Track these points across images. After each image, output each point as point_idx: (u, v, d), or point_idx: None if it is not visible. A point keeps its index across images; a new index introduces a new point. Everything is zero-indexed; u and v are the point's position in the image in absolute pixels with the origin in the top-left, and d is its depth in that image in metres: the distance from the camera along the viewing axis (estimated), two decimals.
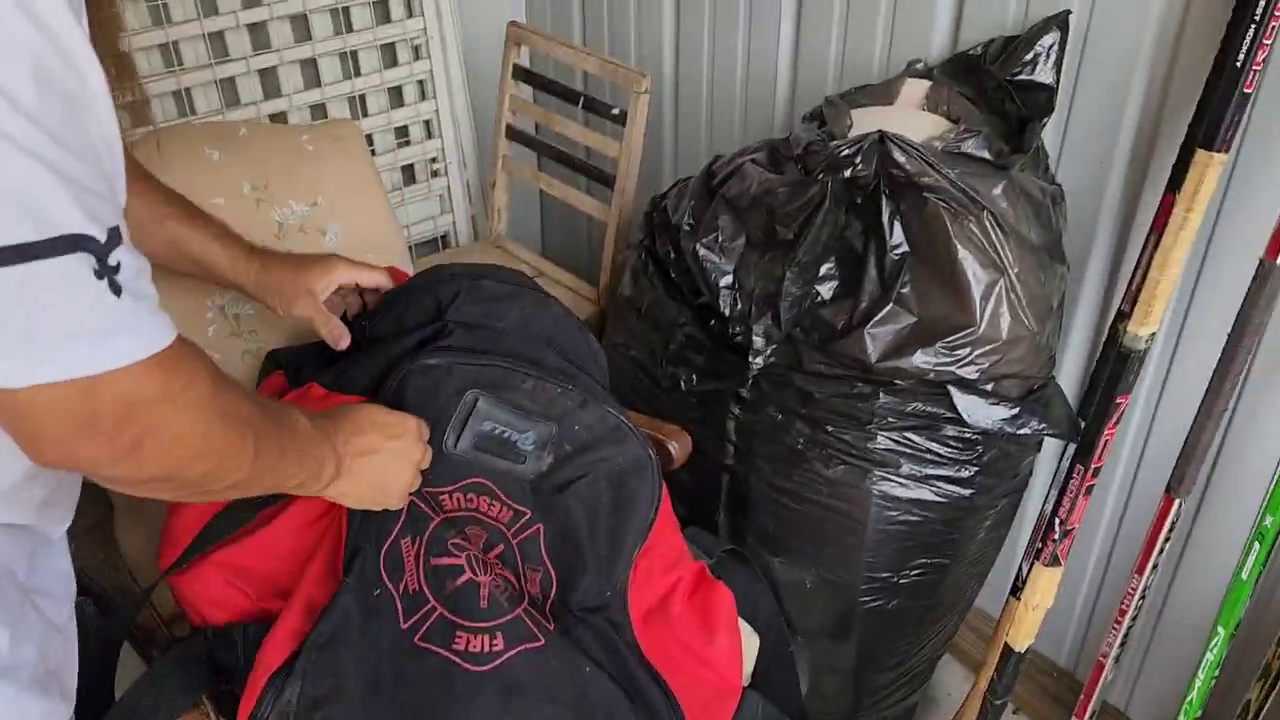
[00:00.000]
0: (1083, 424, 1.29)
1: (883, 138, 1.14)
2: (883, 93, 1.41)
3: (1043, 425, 1.20)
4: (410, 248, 2.23)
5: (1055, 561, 1.33)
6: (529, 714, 0.93)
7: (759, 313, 1.23)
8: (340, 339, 1.10)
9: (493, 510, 0.99)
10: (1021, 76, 1.31)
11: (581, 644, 0.99)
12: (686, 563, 1.12)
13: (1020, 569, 1.40)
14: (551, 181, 1.99)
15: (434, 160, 2.21)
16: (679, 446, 1.30)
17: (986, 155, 1.22)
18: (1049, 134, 1.38)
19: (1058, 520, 1.30)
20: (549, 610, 0.99)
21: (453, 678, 0.92)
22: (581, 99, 1.87)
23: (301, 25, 1.96)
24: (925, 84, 1.38)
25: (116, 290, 0.57)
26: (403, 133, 2.17)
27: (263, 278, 1.10)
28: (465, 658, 0.94)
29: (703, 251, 1.27)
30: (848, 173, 1.15)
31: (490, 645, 0.94)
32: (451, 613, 0.95)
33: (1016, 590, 1.40)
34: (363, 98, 2.08)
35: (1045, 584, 1.34)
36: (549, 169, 2.03)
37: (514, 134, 2.01)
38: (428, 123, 2.19)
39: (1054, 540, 1.31)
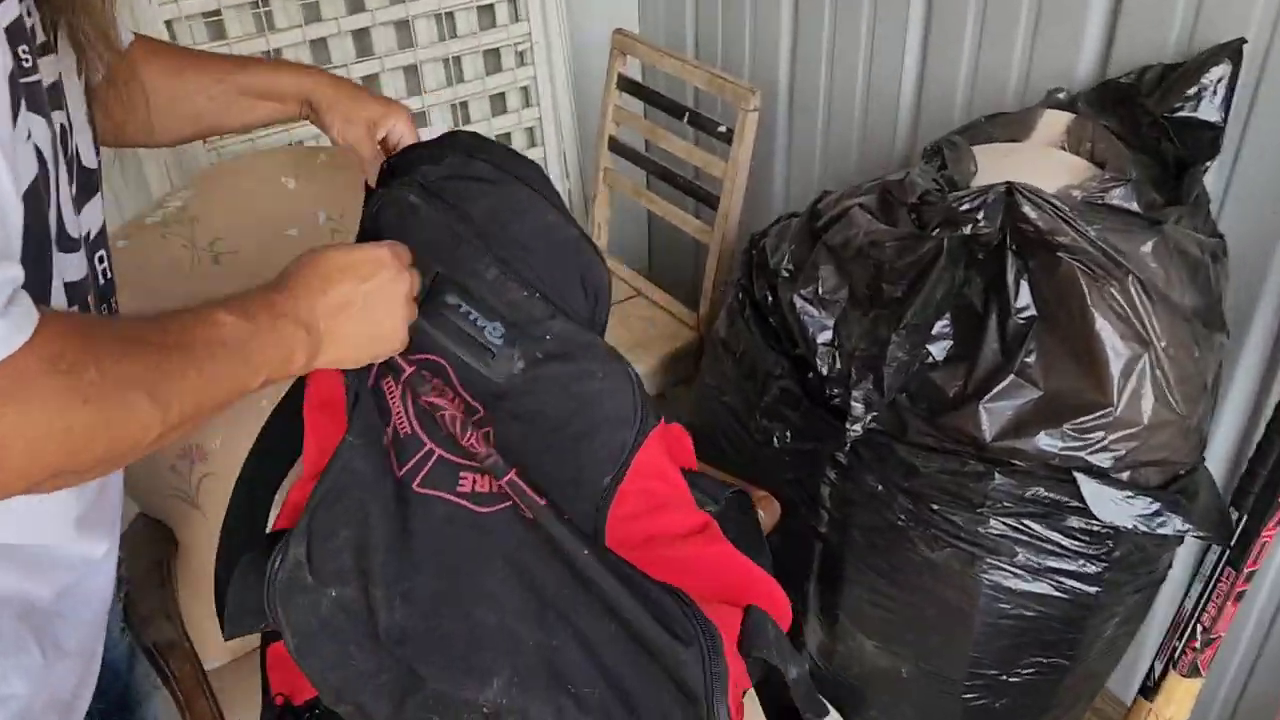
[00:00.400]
0: (1236, 519, 1.12)
1: (1010, 189, 1.00)
2: (1018, 124, 1.26)
3: (1186, 526, 1.04)
4: None
5: (1195, 672, 1.16)
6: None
7: (860, 376, 1.10)
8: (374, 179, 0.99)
9: (449, 402, 0.83)
10: (1182, 113, 1.14)
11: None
12: (688, 512, 0.92)
13: (1152, 667, 1.24)
14: (654, 198, 1.89)
15: None
16: (765, 515, 1.18)
17: (1135, 208, 1.06)
18: (1211, 178, 1.20)
19: (1200, 627, 1.14)
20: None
21: (460, 520, 0.80)
22: (687, 114, 1.76)
23: (405, 31, 1.90)
24: (1067, 117, 1.22)
25: None
26: (505, 139, 2.09)
27: (327, 92, 0.99)
28: (474, 499, 0.81)
29: (800, 303, 1.15)
30: (968, 229, 1.01)
31: (494, 486, 0.81)
32: (450, 453, 0.82)
33: (1146, 691, 1.24)
34: (465, 104, 2.02)
35: (1182, 695, 1.17)
36: (654, 185, 1.93)
37: (617, 147, 1.91)
38: (530, 130, 2.11)
39: (1194, 649, 1.15)
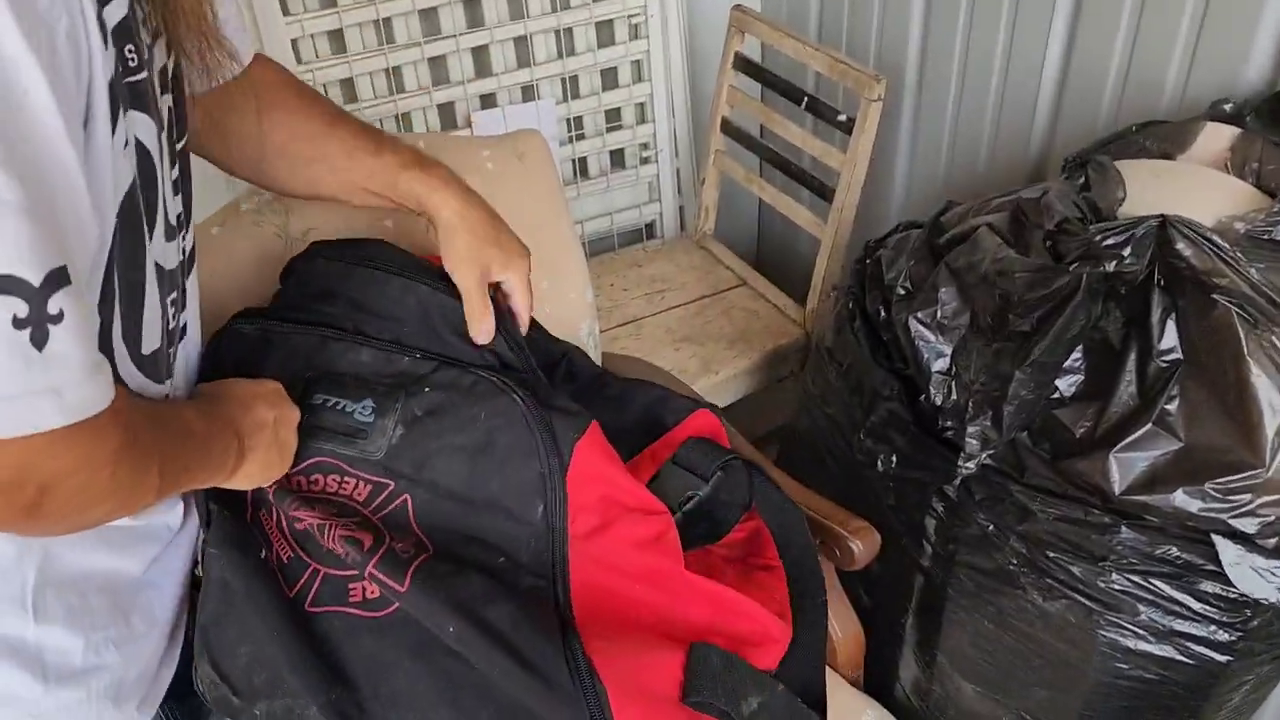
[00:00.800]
0: None
1: (1164, 224, 0.90)
2: (1174, 137, 1.14)
3: None
4: (614, 236, 2.13)
5: None
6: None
7: (977, 411, 1.02)
8: (486, 334, 0.91)
9: (345, 487, 0.85)
10: None
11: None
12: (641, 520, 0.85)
13: None
14: (765, 186, 1.81)
15: (644, 147, 2.07)
16: (863, 548, 1.11)
17: None
18: None
19: None
20: (413, 569, 0.80)
21: (360, 628, 0.80)
22: (806, 99, 1.67)
23: (516, 2, 1.85)
24: (1232, 132, 1.10)
25: (40, 343, 0.50)
26: (614, 116, 2.03)
27: (452, 220, 0.91)
28: (365, 606, 0.80)
29: (916, 326, 1.07)
30: (1111, 265, 0.91)
31: (380, 590, 0.80)
32: (335, 569, 0.82)
33: None
34: (574, 78, 1.96)
35: None
36: (766, 172, 1.84)
37: (730, 129, 1.83)
38: (641, 106, 2.04)
39: None
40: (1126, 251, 0.91)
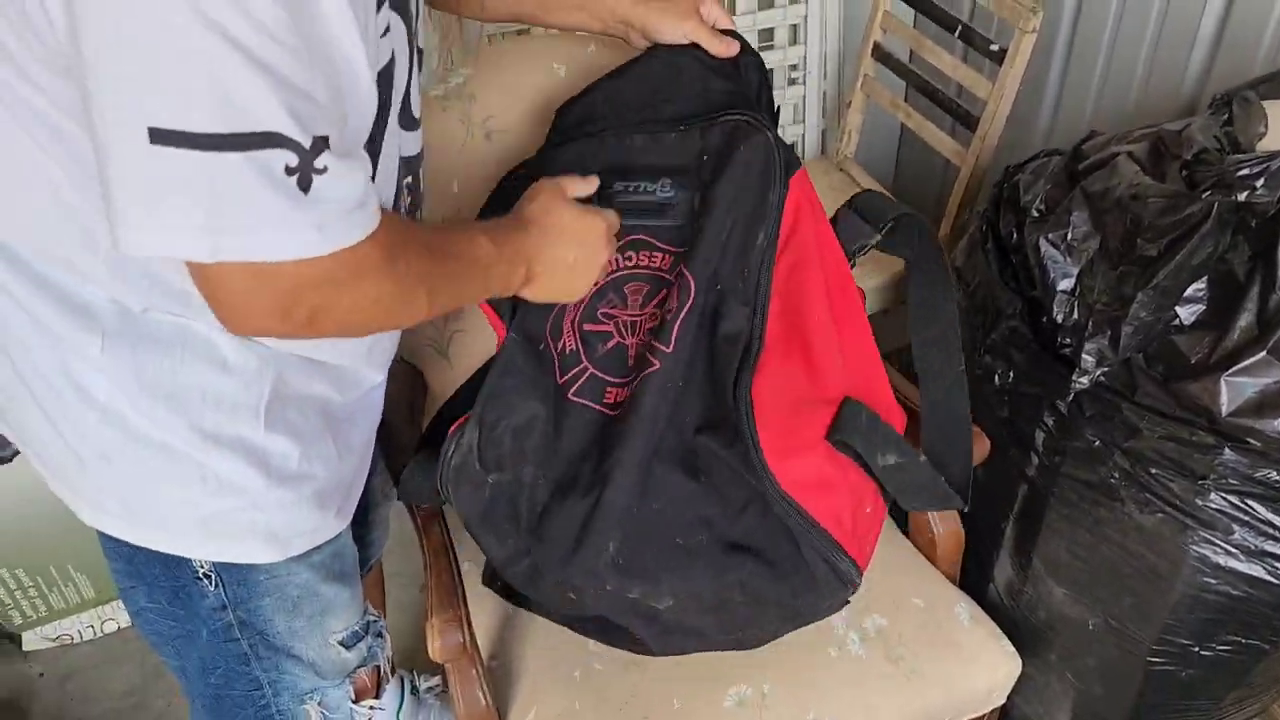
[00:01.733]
0: None
1: None
2: None
3: None
4: None
5: None
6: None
7: (1096, 329, 1.08)
8: (730, 48, 1.07)
9: (653, 261, 1.03)
10: None
11: (712, 358, 0.98)
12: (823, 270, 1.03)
13: None
14: (911, 112, 1.85)
15: (794, 68, 2.12)
16: (975, 450, 1.19)
17: None
18: None
19: None
20: (680, 321, 0.98)
21: (600, 422, 0.97)
22: (960, 28, 1.70)
23: None
24: None
25: (305, 187, 0.62)
26: (767, 35, 2.08)
27: (639, 9, 1.06)
28: (612, 408, 0.98)
29: (1046, 246, 1.13)
30: (1243, 195, 0.96)
31: (629, 394, 0.98)
32: (602, 372, 1.00)
33: None
34: None
35: None
36: (912, 98, 1.88)
37: (880, 54, 1.88)
38: (794, 28, 2.08)
39: None
40: (1260, 183, 0.95)
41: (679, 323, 0.97)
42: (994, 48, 1.63)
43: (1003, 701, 1.26)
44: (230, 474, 0.83)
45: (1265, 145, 1.04)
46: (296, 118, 0.60)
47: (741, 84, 1.08)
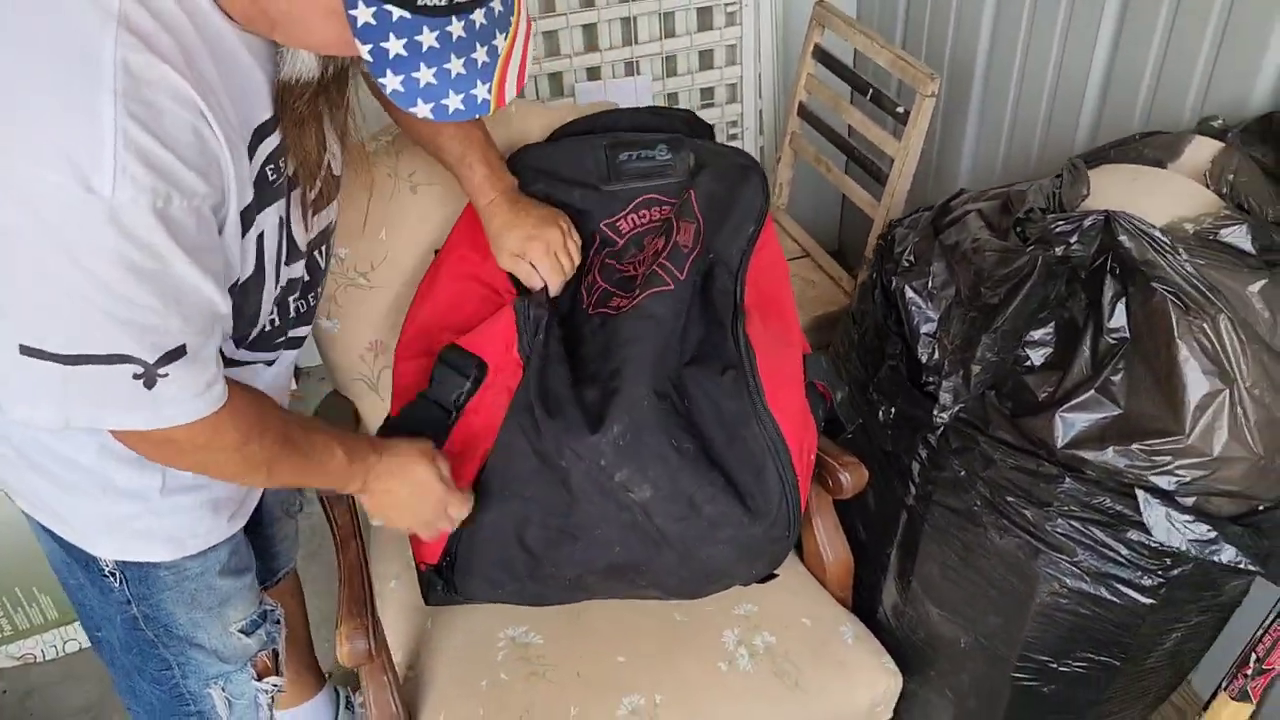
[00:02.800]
0: None
1: (1109, 218, 1.05)
2: (1168, 147, 1.28)
3: (1240, 558, 1.08)
4: None
5: (1245, 697, 1.20)
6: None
7: (951, 369, 1.19)
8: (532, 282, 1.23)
9: (663, 213, 1.25)
10: None
11: (708, 305, 1.19)
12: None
13: (1216, 690, 1.28)
14: (832, 167, 1.98)
15: (733, 124, 2.25)
16: (851, 479, 1.30)
17: (1248, 248, 1.08)
18: None
19: (1254, 656, 1.17)
20: (689, 261, 1.19)
21: (606, 323, 1.18)
22: (871, 91, 1.83)
23: None
24: (1215, 146, 1.23)
25: (150, 386, 0.77)
26: (708, 94, 2.22)
27: (493, 222, 1.22)
28: (618, 310, 1.18)
29: (911, 293, 1.24)
30: (1060, 250, 1.07)
31: (635, 299, 1.17)
32: (613, 287, 1.21)
33: (1208, 705, 1.29)
34: (672, 58, 2.16)
35: (1228, 717, 1.22)
36: (833, 155, 2.01)
37: (806, 113, 2.01)
38: (732, 87, 2.22)
39: (1246, 675, 1.18)
40: (1074, 239, 1.07)
41: (690, 259, 1.18)
42: (899, 110, 1.76)
43: (888, 717, 1.36)
44: (129, 485, 0.96)
45: (1090, 205, 1.16)
46: (146, 344, 0.75)
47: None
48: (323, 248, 1.03)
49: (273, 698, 1.19)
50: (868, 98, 1.83)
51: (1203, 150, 1.23)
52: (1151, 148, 1.29)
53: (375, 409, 1.43)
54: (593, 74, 2.13)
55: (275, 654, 1.16)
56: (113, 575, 1.01)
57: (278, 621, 1.18)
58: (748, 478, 1.13)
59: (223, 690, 1.11)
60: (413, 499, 1.07)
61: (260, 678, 1.14)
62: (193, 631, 1.07)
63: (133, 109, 0.67)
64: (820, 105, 2.00)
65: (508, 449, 1.13)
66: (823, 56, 1.94)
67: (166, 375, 0.77)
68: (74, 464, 0.93)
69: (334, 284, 1.37)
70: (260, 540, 1.25)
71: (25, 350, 0.73)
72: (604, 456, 1.09)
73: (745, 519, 1.13)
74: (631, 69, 2.13)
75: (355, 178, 1.11)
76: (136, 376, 0.75)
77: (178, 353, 0.77)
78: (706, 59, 2.20)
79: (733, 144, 2.25)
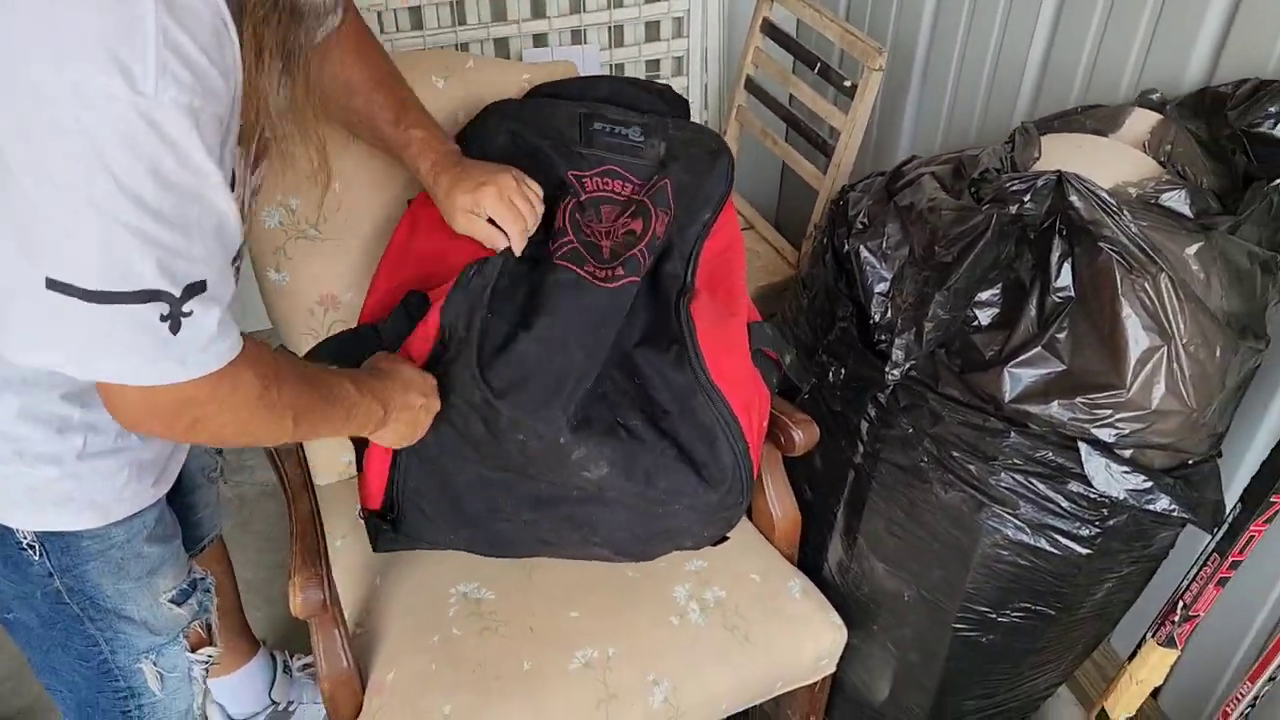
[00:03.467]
0: (1236, 511, 1.20)
1: (1061, 178, 1.09)
2: (1109, 118, 1.33)
3: (1174, 506, 1.13)
4: None
5: (1171, 643, 1.26)
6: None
7: (904, 326, 1.22)
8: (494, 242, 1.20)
9: (625, 190, 1.27)
10: (1261, 129, 1.20)
11: (655, 288, 1.22)
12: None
13: (1143, 638, 1.34)
14: (778, 140, 2.00)
15: None
16: (803, 436, 1.33)
17: (1186, 212, 1.13)
18: None
19: (1181, 603, 1.23)
20: (656, 251, 1.21)
21: (580, 285, 1.15)
22: (818, 65, 1.86)
23: None
24: (1154, 118, 1.28)
25: (175, 330, 0.73)
26: (653, 65, 2.23)
27: (437, 192, 1.19)
28: (593, 277, 1.17)
29: (865, 254, 1.27)
30: (1014, 208, 1.11)
31: (612, 273, 1.17)
32: (584, 249, 1.19)
33: (1132, 656, 1.35)
34: (620, 28, 2.16)
35: (1156, 662, 1.27)
36: (778, 128, 2.04)
37: (753, 87, 2.03)
38: (679, 60, 2.23)
39: (1173, 622, 1.24)
40: (1028, 198, 1.10)
41: (657, 248, 1.21)
42: (847, 83, 1.79)
43: (832, 670, 1.39)
44: (47, 449, 0.91)
45: (1042, 167, 1.20)
46: (172, 275, 0.72)
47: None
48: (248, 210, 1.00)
49: (207, 669, 1.15)
50: (815, 71, 1.86)
51: (1141, 122, 1.28)
52: (1093, 119, 1.33)
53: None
54: (539, 40, 2.12)
55: (208, 625, 1.12)
56: (31, 548, 0.96)
57: (208, 590, 1.14)
58: (701, 448, 1.16)
59: (154, 664, 1.07)
60: (426, 399, 1.07)
61: (194, 649, 1.10)
62: (121, 603, 1.02)
63: (170, 5, 0.65)
64: (765, 79, 2.02)
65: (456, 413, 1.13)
66: (770, 30, 1.96)
67: (190, 315, 0.73)
68: None
69: (283, 236, 1.35)
70: (182, 508, 1.21)
71: (52, 285, 0.69)
72: (562, 434, 1.10)
73: (700, 489, 1.16)
74: (579, 37, 2.13)
75: (304, 131, 1.05)
76: (164, 318, 0.72)
77: (199, 287, 0.73)
78: (653, 30, 2.20)
79: None
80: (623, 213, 1.24)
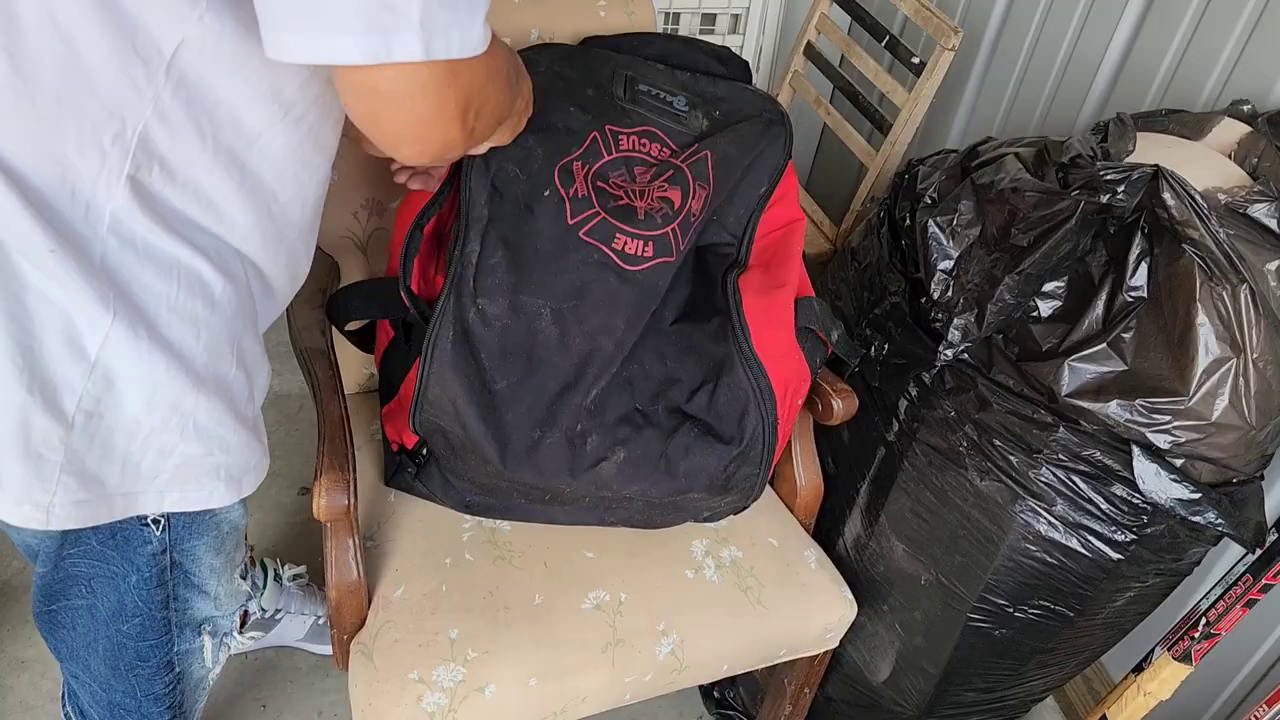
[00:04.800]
0: (1274, 536, 1.19)
1: (1158, 172, 1.06)
2: (1194, 124, 1.30)
3: (1220, 521, 1.11)
4: None
5: (1187, 659, 1.25)
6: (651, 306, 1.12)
7: (965, 306, 1.19)
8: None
9: (662, 155, 1.20)
10: None
11: (702, 263, 1.19)
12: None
13: (1153, 650, 1.33)
14: (832, 111, 1.96)
15: None
16: (842, 406, 1.30)
17: (1273, 226, 1.11)
18: None
19: (1205, 620, 1.22)
20: (693, 230, 1.16)
21: (609, 268, 1.09)
22: (888, 38, 1.82)
23: None
24: (1242, 129, 1.25)
25: None
26: (709, 20, 2.18)
27: None
28: (621, 257, 1.10)
29: (933, 228, 1.24)
30: (1105, 198, 1.08)
31: (642, 250, 1.11)
32: (613, 218, 1.11)
33: (1139, 668, 1.34)
34: None
35: (1168, 676, 1.27)
36: (836, 99, 2.00)
37: (811, 53, 1.98)
38: (736, 17, 2.19)
39: (1193, 637, 1.23)
40: (1121, 188, 1.07)
41: (694, 228, 1.16)
42: (915, 60, 1.75)
43: (835, 644, 1.37)
44: (209, 419, 0.81)
45: (1133, 160, 1.17)
46: None
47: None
48: None
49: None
50: (883, 44, 1.82)
51: (1229, 132, 1.26)
52: (1177, 123, 1.30)
53: (357, 269, 1.36)
54: None
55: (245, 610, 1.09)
56: (155, 523, 0.88)
57: (252, 562, 1.11)
58: (728, 424, 1.12)
59: (210, 632, 1.03)
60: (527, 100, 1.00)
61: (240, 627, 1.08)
62: (207, 579, 0.98)
63: None
64: (825, 45, 1.98)
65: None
66: None
67: None
68: (153, 401, 0.77)
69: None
70: None
71: None
72: (580, 420, 1.07)
73: (722, 466, 1.12)
74: None
75: None
76: None
77: None
78: None
79: None
80: (659, 175, 1.18)
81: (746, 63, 1.32)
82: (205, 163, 0.72)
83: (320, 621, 1.61)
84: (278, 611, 1.56)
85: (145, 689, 1.02)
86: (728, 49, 1.32)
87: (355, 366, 1.40)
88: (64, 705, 1.15)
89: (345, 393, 1.24)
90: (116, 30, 0.63)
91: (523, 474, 1.07)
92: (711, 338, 1.13)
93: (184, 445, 0.81)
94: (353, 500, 1.08)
